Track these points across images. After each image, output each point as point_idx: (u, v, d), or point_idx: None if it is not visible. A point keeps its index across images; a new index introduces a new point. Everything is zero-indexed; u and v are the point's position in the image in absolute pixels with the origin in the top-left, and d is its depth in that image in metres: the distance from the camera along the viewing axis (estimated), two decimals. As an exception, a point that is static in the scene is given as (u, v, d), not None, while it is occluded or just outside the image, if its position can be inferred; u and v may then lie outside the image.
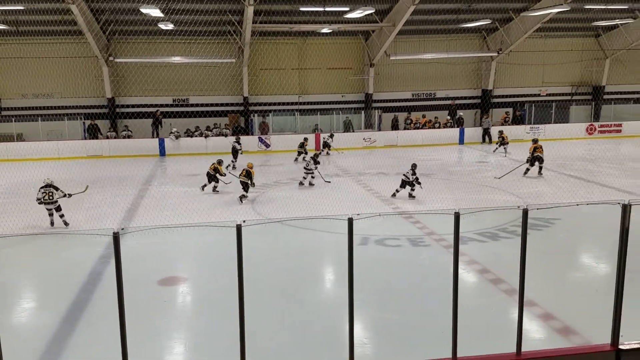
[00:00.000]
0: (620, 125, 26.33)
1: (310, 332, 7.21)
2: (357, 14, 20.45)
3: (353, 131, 25.80)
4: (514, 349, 5.25)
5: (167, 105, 25.34)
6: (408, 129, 25.88)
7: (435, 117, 26.10)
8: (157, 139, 23.75)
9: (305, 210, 12.82)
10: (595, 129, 26.17)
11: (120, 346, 4.75)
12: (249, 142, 24.06)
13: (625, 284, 5.21)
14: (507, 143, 22.05)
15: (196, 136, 24.06)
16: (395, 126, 26.20)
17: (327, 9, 21.04)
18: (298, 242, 10.90)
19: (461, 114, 26.67)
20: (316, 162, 16.44)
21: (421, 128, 25.76)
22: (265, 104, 25.85)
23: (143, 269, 9.21)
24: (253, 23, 21.39)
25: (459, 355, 5.13)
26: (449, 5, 22.60)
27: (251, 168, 14.65)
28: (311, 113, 25.98)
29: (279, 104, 26.02)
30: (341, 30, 23.70)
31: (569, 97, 28.23)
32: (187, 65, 24.17)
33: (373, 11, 20.78)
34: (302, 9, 21.54)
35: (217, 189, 15.66)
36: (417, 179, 14.18)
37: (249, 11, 19.88)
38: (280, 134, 25.08)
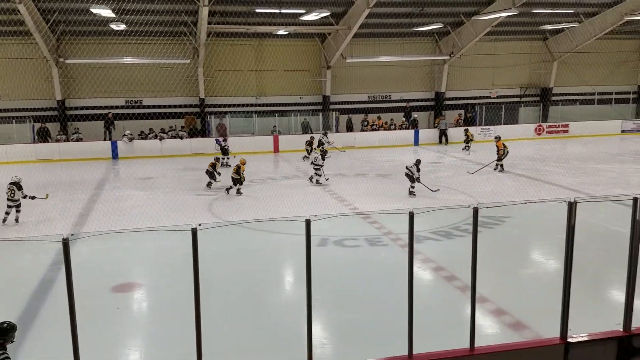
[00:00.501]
0: (567, 125, 27.41)
1: (270, 334, 7.19)
2: (312, 17, 20.54)
3: (311, 133, 25.86)
4: (468, 345, 5.38)
5: (119, 107, 24.71)
6: (365, 130, 26.18)
7: (391, 119, 26.49)
8: (109, 142, 23.15)
9: (264, 212, 12.79)
10: (543, 130, 27.14)
11: (72, 355, 4.61)
12: (205, 143, 23.75)
13: (572, 280, 5.41)
14: (471, 140, 22.89)
15: (150, 138, 23.59)
16: (349, 128, 26.44)
17: (283, 10, 21.04)
18: (257, 245, 10.84)
19: (415, 115, 27.16)
20: (324, 158, 17.53)
21: (377, 130, 26.09)
22: (222, 106, 25.58)
23: (96, 276, 8.96)
24: (208, 24, 21.16)
25: (414, 352, 5.23)
26: (403, 9, 22.96)
27: (243, 164, 15.53)
28: (269, 115, 25.90)
29: (236, 105, 25.81)
30: (297, 32, 23.75)
31: (518, 99, 29.18)
32: (140, 66, 23.66)
33: (329, 14, 20.90)
34: (258, 10, 21.45)
35: (210, 186, 16.38)
36: (418, 177, 14.85)
37: (204, 12, 19.65)
38: (237, 135, 24.88)
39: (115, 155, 22.77)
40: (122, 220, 12.34)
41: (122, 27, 20.49)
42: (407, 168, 14.96)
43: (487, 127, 26.77)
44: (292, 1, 21.14)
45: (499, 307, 7.78)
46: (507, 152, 18.26)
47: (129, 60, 22.73)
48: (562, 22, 25.48)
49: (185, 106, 25.32)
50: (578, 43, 26.75)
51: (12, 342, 4.78)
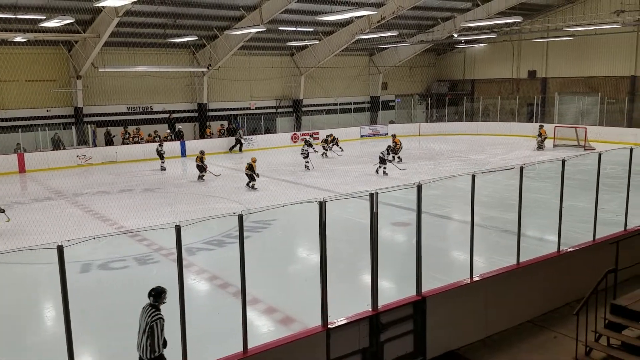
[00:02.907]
0: (317, 133, 30.28)
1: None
2: (54, 23, 18.61)
3: (64, 148, 23.56)
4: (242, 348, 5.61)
5: None
6: (127, 143, 24.91)
7: (155, 131, 25.74)
8: None
9: (11, 241, 11.25)
10: (298, 137, 29.48)
11: None
12: None
13: (329, 270, 6.07)
14: (335, 143, 25.68)
15: None
16: (109, 141, 24.89)
17: (20, 16, 18.69)
18: (3, 280, 9.52)
19: (180, 127, 26.92)
20: (309, 148, 21.93)
21: (140, 142, 25.08)
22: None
23: None
24: None
25: (190, 366, 5.26)
26: (156, 19, 22.51)
27: (254, 162, 17.39)
28: (10, 130, 22.72)
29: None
30: (39, 39, 21.31)
31: (274, 110, 31.21)
32: None
33: (73, 21, 19.21)
34: (-13, 14, 18.65)
35: (203, 178, 18.75)
36: (394, 157, 20.29)
37: None
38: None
39: None
40: None
41: None
42: (381, 153, 19.44)
43: (250, 136, 28.04)
44: (31, 6, 19.01)
45: (271, 306, 8.30)
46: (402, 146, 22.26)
47: None
48: (305, 40, 28.15)
49: None
50: (320, 59, 29.79)
51: (164, 303, 5.43)
